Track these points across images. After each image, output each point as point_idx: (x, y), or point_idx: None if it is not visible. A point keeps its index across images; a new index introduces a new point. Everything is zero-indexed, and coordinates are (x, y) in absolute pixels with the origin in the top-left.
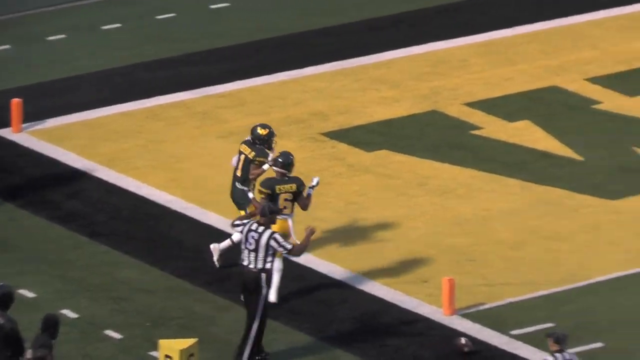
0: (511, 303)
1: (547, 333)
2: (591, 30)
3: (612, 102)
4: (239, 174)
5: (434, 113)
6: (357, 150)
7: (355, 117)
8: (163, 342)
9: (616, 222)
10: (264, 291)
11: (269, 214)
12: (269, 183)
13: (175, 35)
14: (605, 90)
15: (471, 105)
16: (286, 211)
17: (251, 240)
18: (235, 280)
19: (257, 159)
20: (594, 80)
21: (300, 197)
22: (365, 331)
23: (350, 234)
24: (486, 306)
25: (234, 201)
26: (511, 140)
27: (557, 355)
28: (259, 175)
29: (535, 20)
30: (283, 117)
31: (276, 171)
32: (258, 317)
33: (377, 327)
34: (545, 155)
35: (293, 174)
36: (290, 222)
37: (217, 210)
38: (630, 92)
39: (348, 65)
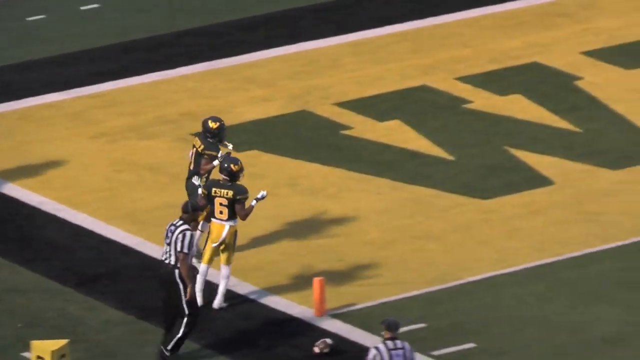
0: (382, 303)
1: (382, 321)
2: (461, 29)
3: (483, 101)
4: (191, 167)
5: (304, 113)
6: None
7: (226, 117)
8: (35, 343)
9: (487, 222)
10: (180, 287)
11: (190, 210)
12: (209, 183)
13: (46, 37)
14: (475, 90)
15: (342, 105)
16: (221, 216)
17: (168, 234)
18: (106, 281)
19: (206, 152)
20: (465, 79)
21: (239, 206)
22: (236, 331)
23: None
24: (357, 306)
25: (187, 193)
26: (381, 140)
27: (387, 343)
28: (208, 170)
29: (406, 20)
30: (155, 117)
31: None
32: (186, 312)
33: (248, 328)
34: (415, 155)
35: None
36: (226, 228)
37: (88, 211)
38: (501, 91)
39: (220, 65)
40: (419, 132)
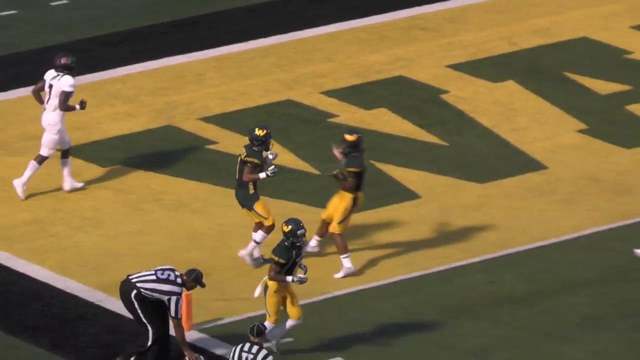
0: (249, 318)
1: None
2: (325, 44)
3: (348, 115)
4: (237, 176)
5: (169, 128)
6: (92, 165)
7: (90, 133)
8: None
9: (352, 236)
10: (135, 305)
11: (194, 280)
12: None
13: None
14: (341, 104)
15: (207, 119)
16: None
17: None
18: None
19: (248, 159)
20: (330, 93)
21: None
22: (103, 346)
23: (86, 250)
24: (224, 321)
25: (238, 202)
26: None
27: (245, 344)
28: (252, 180)
29: (270, 34)
30: (20, 134)
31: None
32: (148, 325)
33: (115, 343)
34: (281, 169)
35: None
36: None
37: None
38: (366, 105)
39: (84, 81)
40: (284, 147)
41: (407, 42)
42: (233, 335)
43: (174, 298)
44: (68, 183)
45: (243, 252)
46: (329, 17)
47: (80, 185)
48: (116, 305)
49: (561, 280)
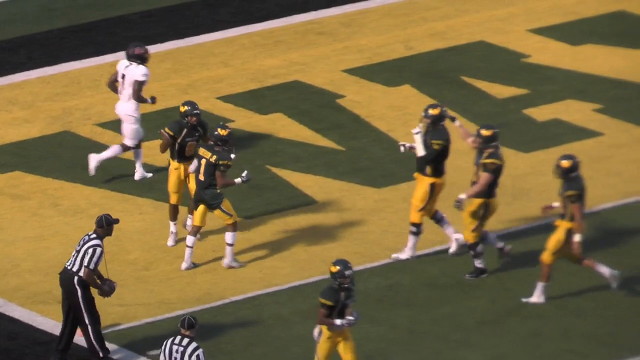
0: (148, 323)
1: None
2: (221, 49)
3: (244, 120)
4: (202, 178)
5: (66, 133)
6: None
7: None
8: None
9: (248, 241)
10: (78, 293)
11: (105, 225)
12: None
13: None
14: (237, 109)
15: (103, 125)
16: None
17: (80, 242)
18: None
19: (221, 161)
20: (225, 98)
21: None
22: (1, 351)
23: None
24: (122, 327)
25: (204, 204)
26: (143, 159)
27: (176, 337)
28: (227, 186)
29: (166, 40)
30: None
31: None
32: (87, 319)
33: (14, 348)
34: None
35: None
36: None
37: None
38: (263, 109)
39: None
40: None
41: (303, 46)
42: (131, 340)
43: (90, 250)
44: (139, 173)
45: (226, 262)
46: (225, 22)
47: (149, 175)
48: (15, 311)
49: (460, 284)
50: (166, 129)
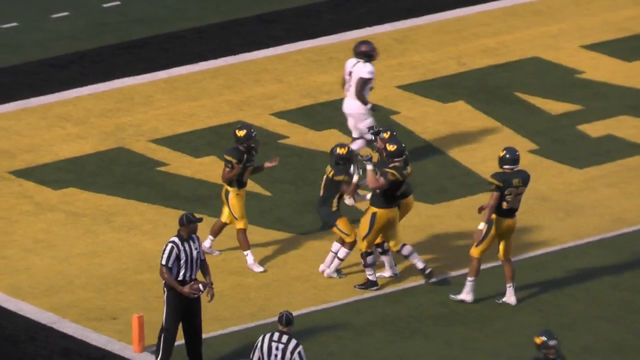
0: (203, 340)
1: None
2: (274, 65)
3: (298, 136)
4: (321, 193)
5: (119, 150)
6: (44, 188)
7: (41, 155)
8: None
9: (302, 257)
10: (165, 294)
11: (185, 222)
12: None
13: None
14: (290, 125)
15: (156, 141)
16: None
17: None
18: None
19: (336, 177)
20: (279, 114)
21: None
22: None
23: (38, 272)
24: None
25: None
26: (197, 176)
27: (274, 334)
28: (350, 191)
29: (219, 56)
30: None
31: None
32: (164, 320)
33: None
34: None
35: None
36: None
37: None
38: (317, 126)
39: (33, 103)
40: None
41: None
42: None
43: (164, 247)
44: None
45: (328, 272)
46: (278, 38)
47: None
48: (68, 327)
49: None
50: (231, 159)
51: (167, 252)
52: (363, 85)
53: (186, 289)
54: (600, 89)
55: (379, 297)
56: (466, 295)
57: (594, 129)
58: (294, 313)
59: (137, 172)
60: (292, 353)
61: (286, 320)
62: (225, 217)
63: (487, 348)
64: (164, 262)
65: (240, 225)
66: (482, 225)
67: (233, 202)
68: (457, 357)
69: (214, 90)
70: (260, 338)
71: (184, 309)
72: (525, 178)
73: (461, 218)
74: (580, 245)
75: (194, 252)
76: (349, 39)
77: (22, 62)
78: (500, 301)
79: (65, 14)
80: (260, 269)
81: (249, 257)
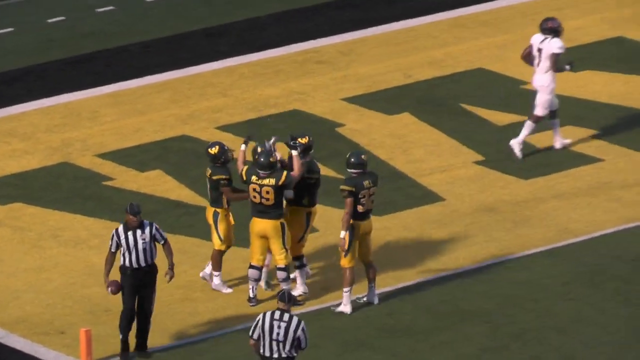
0: (149, 352)
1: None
2: (220, 78)
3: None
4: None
5: (66, 165)
6: None
7: None
8: None
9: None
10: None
11: (128, 211)
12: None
13: None
14: (236, 138)
15: (103, 156)
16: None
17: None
18: None
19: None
20: (225, 127)
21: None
22: None
23: None
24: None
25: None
26: (143, 190)
27: (275, 312)
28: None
29: (165, 70)
30: None
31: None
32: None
33: None
34: (178, 204)
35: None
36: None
37: None
38: (262, 139)
39: None
40: (180, 182)
41: (301, 75)
42: None
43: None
44: (558, 142)
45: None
46: (224, 52)
47: (568, 141)
48: (17, 342)
49: (460, 311)
50: (223, 176)
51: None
52: (556, 60)
53: (106, 281)
54: None
55: (325, 310)
56: (344, 307)
57: (540, 140)
58: (242, 326)
59: (83, 187)
60: (295, 331)
61: (288, 297)
62: (217, 243)
63: None
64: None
65: (221, 246)
66: (343, 234)
67: (222, 224)
68: None
69: (160, 105)
70: (261, 316)
71: (137, 291)
72: (374, 179)
73: (408, 230)
74: (528, 255)
75: (139, 241)
76: (295, 51)
77: None
78: (337, 310)
79: (10, 29)
80: (229, 290)
81: (218, 278)
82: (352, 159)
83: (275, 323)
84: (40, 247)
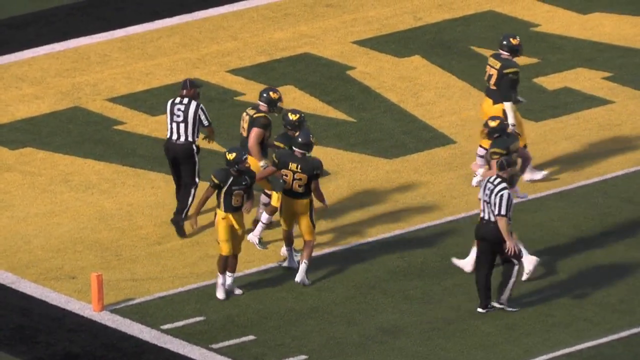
0: (160, 297)
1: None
2: (230, 22)
3: (255, 93)
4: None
5: (76, 109)
6: (0, 148)
7: None
8: None
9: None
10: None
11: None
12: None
13: None
14: (247, 82)
15: (113, 100)
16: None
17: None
18: None
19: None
20: (235, 72)
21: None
22: (15, 328)
23: None
24: (135, 301)
25: None
26: (154, 134)
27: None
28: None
29: (174, 14)
30: None
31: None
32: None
33: (27, 324)
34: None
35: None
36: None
37: None
38: (273, 82)
39: None
40: None
41: (311, 18)
42: (144, 314)
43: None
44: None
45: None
46: None
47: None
48: (27, 287)
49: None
50: (212, 177)
51: None
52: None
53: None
54: (556, 41)
55: (336, 253)
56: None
57: (551, 82)
58: (252, 270)
59: (94, 131)
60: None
61: (190, 84)
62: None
63: (445, 301)
64: None
65: (223, 250)
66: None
67: (218, 226)
68: (416, 311)
69: (170, 49)
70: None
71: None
72: (308, 167)
73: (419, 172)
74: (538, 198)
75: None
76: None
77: None
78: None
79: None
80: (239, 291)
81: (231, 279)
82: (300, 139)
83: (176, 107)
84: (51, 191)
